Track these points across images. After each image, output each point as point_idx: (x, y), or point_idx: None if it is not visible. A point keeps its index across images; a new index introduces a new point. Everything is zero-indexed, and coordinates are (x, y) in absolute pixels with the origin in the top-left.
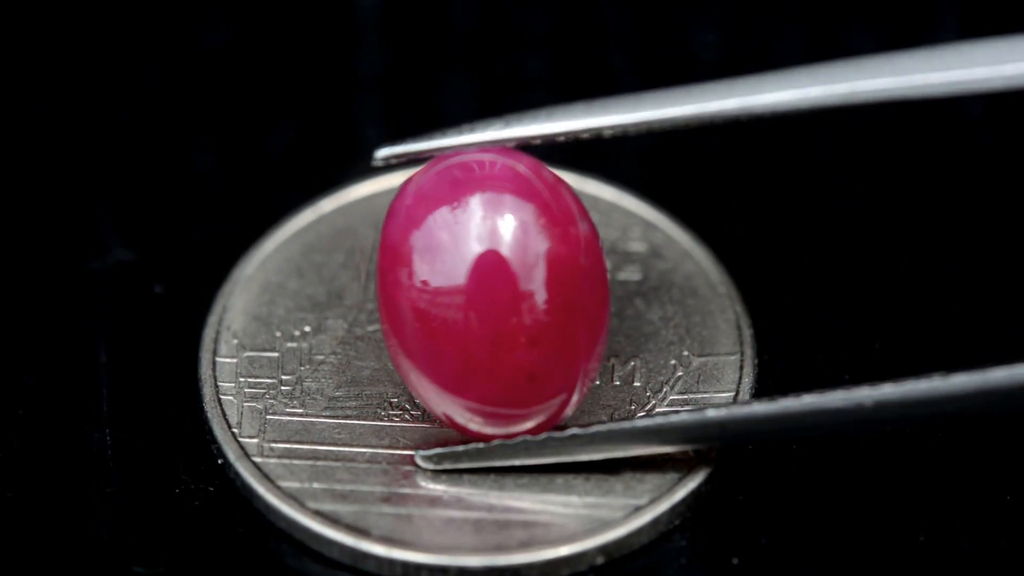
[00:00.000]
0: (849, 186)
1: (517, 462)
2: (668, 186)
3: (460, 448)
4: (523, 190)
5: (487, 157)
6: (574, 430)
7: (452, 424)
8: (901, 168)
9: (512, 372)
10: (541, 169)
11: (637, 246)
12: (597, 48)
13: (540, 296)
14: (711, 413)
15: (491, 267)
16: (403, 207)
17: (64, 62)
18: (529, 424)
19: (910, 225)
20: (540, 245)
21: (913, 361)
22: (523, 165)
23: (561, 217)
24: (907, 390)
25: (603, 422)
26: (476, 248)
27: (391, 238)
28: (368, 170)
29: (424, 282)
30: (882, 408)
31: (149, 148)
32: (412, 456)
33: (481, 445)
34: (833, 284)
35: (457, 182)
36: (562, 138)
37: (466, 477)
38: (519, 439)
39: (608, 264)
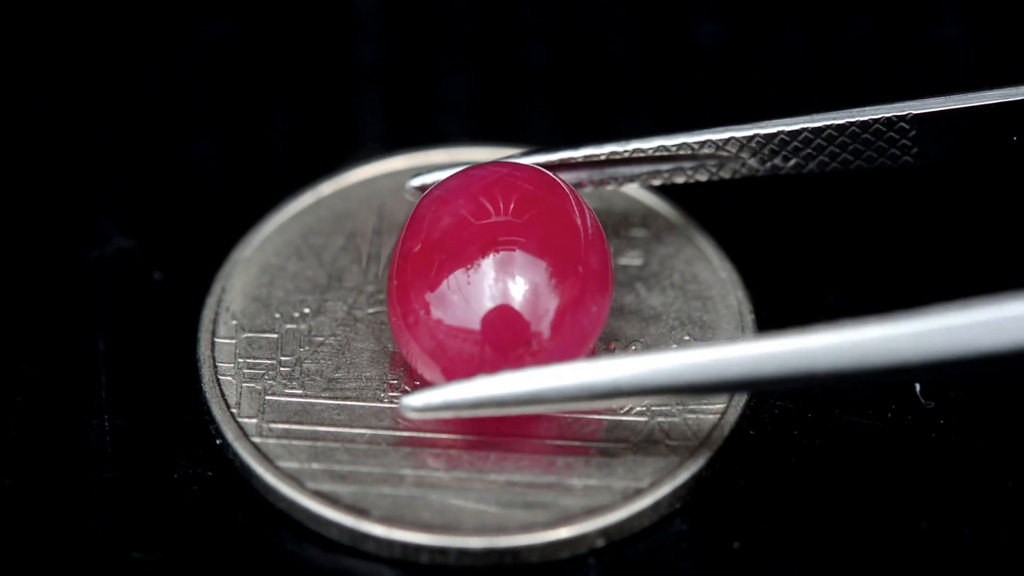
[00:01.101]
0: (851, 172)
1: (502, 400)
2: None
3: (442, 386)
4: (535, 240)
5: (500, 175)
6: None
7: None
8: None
9: (514, 365)
10: (552, 193)
11: (638, 231)
12: (597, 38)
13: (547, 332)
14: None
15: (503, 318)
16: (419, 235)
17: (63, 51)
18: None
19: (913, 211)
20: (550, 301)
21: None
22: (540, 191)
23: (569, 263)
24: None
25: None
26: (489, 305)
27: (407, 252)
28: (368, 155)
29: (439, 320)
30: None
31: (149, 136)
32: (399, 434)
33: (463, 383)
34: (834, 269)
35: (472, 231)
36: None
37: (466, 458)
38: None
39: (610, 249)
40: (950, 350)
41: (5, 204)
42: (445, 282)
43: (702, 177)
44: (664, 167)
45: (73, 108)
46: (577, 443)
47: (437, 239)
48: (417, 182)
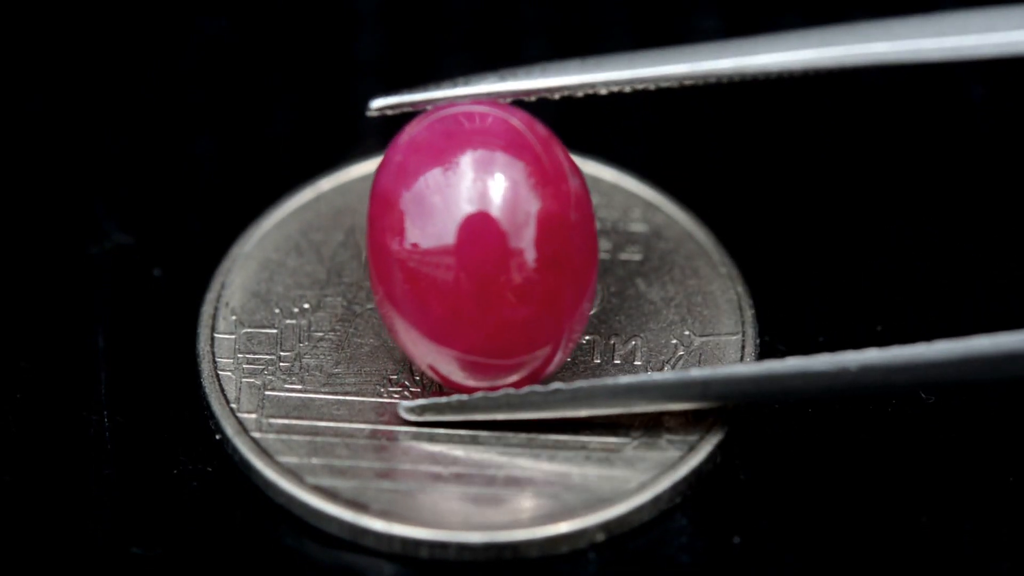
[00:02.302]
0: (851, 167)
1: (500, 416)
2: (669, 167)
3: (443, 400)
4: (515, 146)
5: (480, 110)
6: (557, 385)
7: (436, 374)
8: (904, 149)
9: (497, 324)
10: (534, 124)
11: (638, 226)
12: (597, 33)
13: (529, 254)
14: (694, 372)
15: (481, 227)
16: (394, 160)
17: (61, 47)
18: (512, 378)
19: (914, 206)
20: (531, 204)
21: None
22: (516, 119)
23: (552, 174)
24: (891, 356)
25: (586, 379)
26: (466, 209)
27: (381, 189)
28: (367, 152)
29: (414, 244)
30: (867, 372)
31: (148, 133)
32: (398, 430)
33: (464, 397)
34: (835, 265)
35: (449, 136)
36: (557, 95)
37: (466, 453)
38: (501, 392)
39: (609, 244)
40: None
41: (5, 202)
42: (419, 190)
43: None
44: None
45: (73, 107)
46: (577, 437)
47: (403, 184)
48: (379, 103)
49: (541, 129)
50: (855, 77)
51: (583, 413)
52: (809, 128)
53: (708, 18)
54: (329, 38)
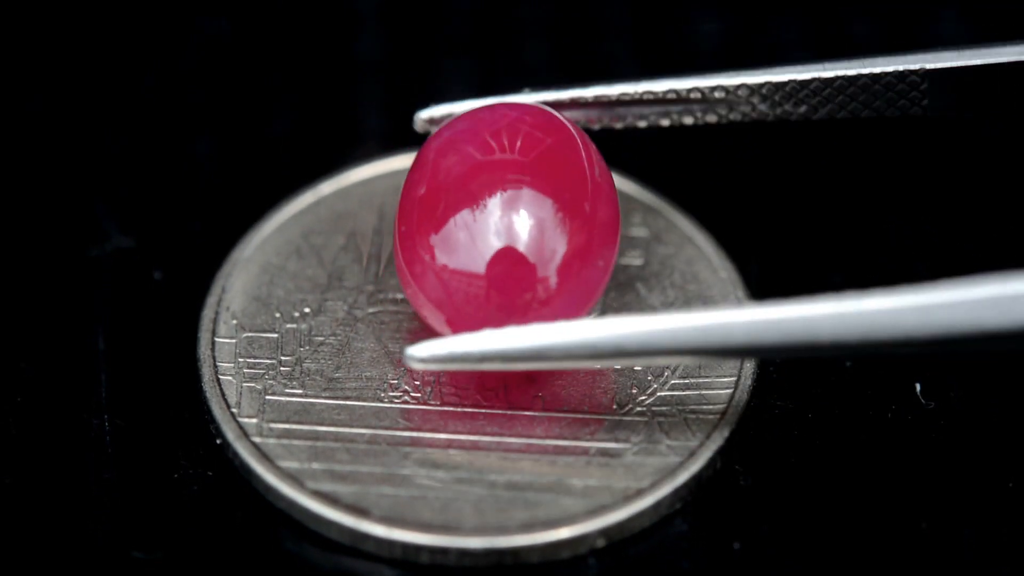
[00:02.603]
0: (850, 170)
1: (507, 355)
2: (669, 172)
3: (448, 339)
4: (542, 178)
5: (508, 118)
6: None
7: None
8: (904, 150)
9: (520, 317)
10: (560, 132)
11: (638, 231)
12: (597, 35)
13: (554, 278)
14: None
15: (510, 260)
16: (424, 178)
17: (62, 49)
18: None
19: (912, 209)
20: (557, 242)
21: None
22: (548, 133)
23: (578, 203)
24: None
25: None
26: (495, 244)
27: (413, 197)
28: (368, 155)
29: (444, 266)
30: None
31: (148, 134)
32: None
33: (469, 335)
34: (835, 268)
35: (478, 167)
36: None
37: (466, 458)
38: (507, 329)
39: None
40: (954, 326)
41: (5, 203)
42: (450, 224)
43: (711, 119)
44: (674, 108)
45: (73, 108)
46: (577, 443)
47: (442, 183)
48: (426, 115)
49: (567, 135)
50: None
51: (587, 361)
52: (809, 131)
53: (708, 19)
54: (329, 38)
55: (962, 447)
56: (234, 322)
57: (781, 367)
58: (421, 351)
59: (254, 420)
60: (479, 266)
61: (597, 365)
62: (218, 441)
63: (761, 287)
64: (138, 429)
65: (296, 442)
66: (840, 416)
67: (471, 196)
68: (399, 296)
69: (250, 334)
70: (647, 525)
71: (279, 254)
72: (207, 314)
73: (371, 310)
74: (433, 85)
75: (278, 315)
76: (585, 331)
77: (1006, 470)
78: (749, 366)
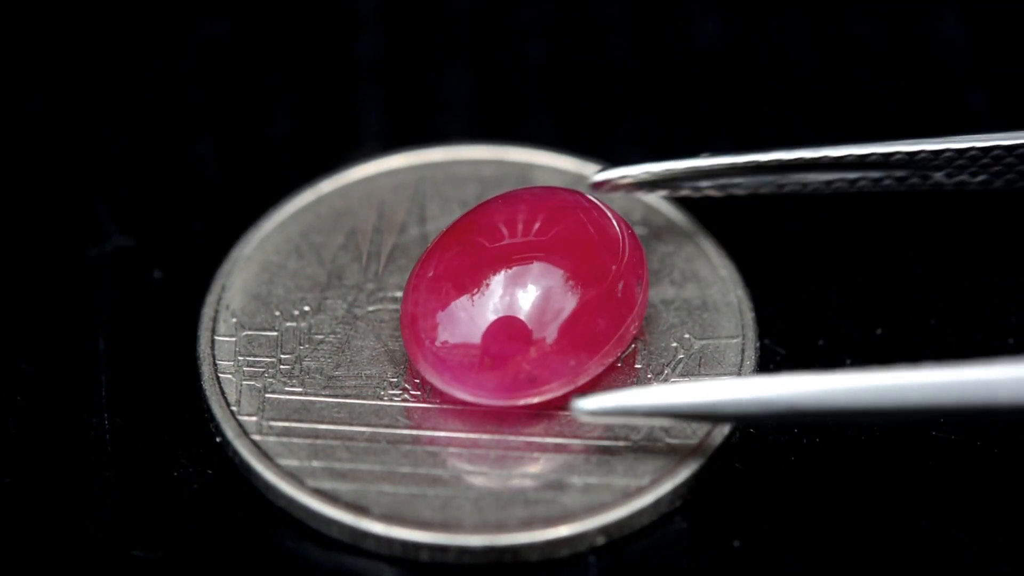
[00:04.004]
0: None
1: (677, 410)
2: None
3: (619, 392)
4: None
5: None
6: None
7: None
8: None
9: (513, 377)
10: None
11: (638, 229)
12: (597, 35)
13: (551, 339)
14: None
15: (506, 328)
16: (428, 271)
17: (62, 49)
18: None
19: (914, 209)
20: (559, 305)
21: (914, 347)
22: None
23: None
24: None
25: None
26: (491, 317)
27: (425, 274)
28: (368, 154)
29: (444, 342)
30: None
31: (149, 135)
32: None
33: (639, 390)
34: (835, 268)
35: (483, 254)
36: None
37: (466, 456)
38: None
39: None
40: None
41: (5, 203)
42: (452, 309)
43: (888, 185)
44: (851, 175)
45: (73, 108)
46: (577, 442)
47: (447, 270)
48: (602, 176)
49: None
50: (855, 79)
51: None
52: (810, 131)
53: (708, 19)
54: (329, 39)
55: (962, 446)
56: (234, 320)
57: (781, 363)
58: (591, 404)
59: (254, 418)
60: (476, 336)
61: (766, 423)
62: (218, 439)
63: (761, 286)
64: (138, 428)
65: (296, 440)
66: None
67: (471, 294)
68: (399, 295)
69: (250, 332)
70: (647, 523)
71: (279, 252)
72: (207, 312)
73: (371, 308)
74: (433, 85)
75: (278, 313)
76: (758, 388)
77: (1006, 470)
78: (749, 363)
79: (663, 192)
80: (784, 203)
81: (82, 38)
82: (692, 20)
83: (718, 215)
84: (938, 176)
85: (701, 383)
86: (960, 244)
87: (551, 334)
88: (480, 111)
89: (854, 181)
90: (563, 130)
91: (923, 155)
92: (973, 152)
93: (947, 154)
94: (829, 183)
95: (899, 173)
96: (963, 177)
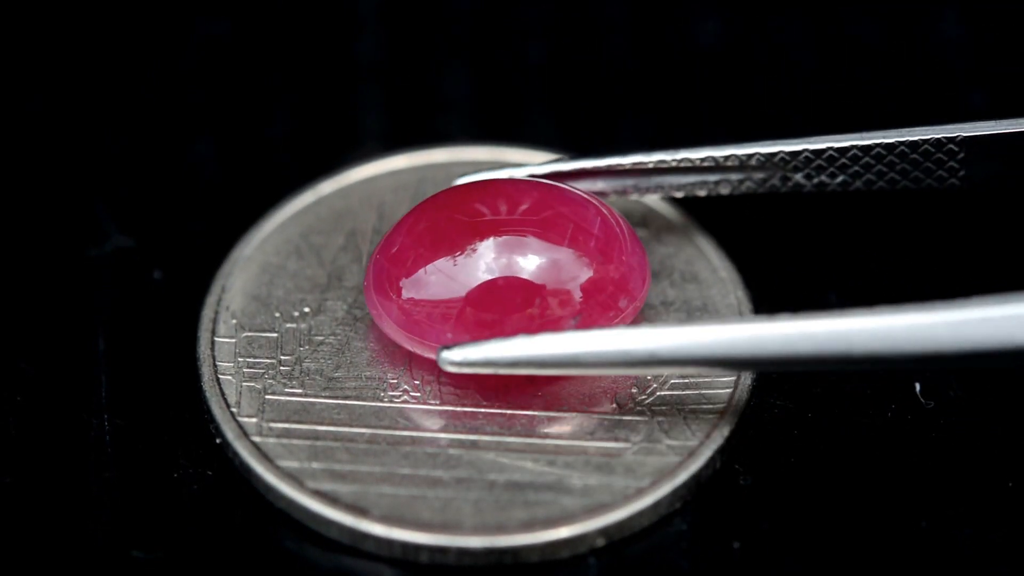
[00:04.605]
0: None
1: (540, 360)
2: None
3: (483, 342)
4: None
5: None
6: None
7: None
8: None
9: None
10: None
11: (639, 231)
12: (597, 36)
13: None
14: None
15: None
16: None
17: (63, 50)
18: None
19: (913, 209)
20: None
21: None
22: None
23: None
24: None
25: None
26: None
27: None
28: (368, 154)
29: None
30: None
31: (149, 135)
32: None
33: (504, 340)
34: (834, 269)
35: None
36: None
37: (466, 458)
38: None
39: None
40: (985, 341)
41: (5, 203)
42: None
43: (747, 189)
44: (711, 178)
45: (73, 108)
46: (577, 443)
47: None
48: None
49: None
50: (854, 80)
51: (610, 369)
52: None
53: (708, 19)
54: (329, 39)
55: (962, 447)
56: (234, 322)
57: None
58: (455, 355)
59: (254, 419)
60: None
61: (629, 373)
62: (218, 440)
63: (760, 287)
64: (138, 429)
65: (296, 441)
66: (840, 415)
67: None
68: None
69: (250, 334)
70: (647, 524)
71: (279, 253)
72: (207, 314)
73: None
74: (433, 86)
75: (278, 315)
76: (620, 339)
77: (1006, 470)
78: None
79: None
80: (784, 204)
81: (82, 38)
82: (692, 20)
83: (718, 216)
84: (798, 177)
85: (565, 335)
86: (960, 244)
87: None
88: (480, 111)
89: (715, 183)
90: (563, 130)
91: (781, 156)
92: (830, 153)
93: (804, 155)
94: (689, 185)
95: (758, 175)
96: (822, 178)
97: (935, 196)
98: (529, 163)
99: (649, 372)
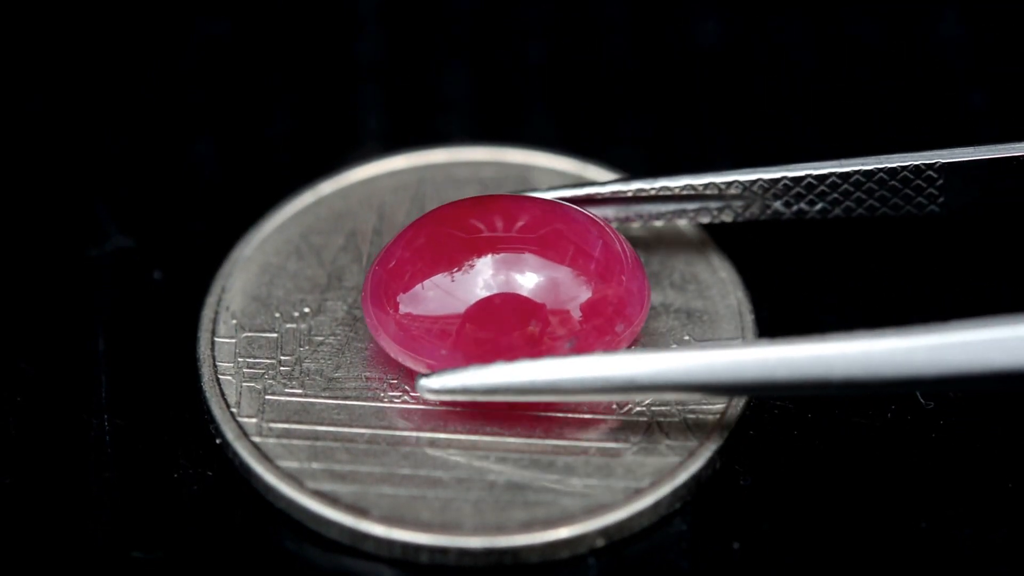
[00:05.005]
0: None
1: (519, 388)
2: (669, 172)
3: (461, 370)
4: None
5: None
6: (575, 358)
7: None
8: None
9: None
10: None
11: (638, 232)
12: (597, 36)
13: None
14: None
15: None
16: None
17: (63, 50)
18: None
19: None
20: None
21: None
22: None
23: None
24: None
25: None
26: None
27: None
28: (367, 155)
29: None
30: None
31: (148, 135)
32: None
33: (481, 367)
34: (834, 272)
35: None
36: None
37: (466, 458)
38: (519, 363)
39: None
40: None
41: (5, 203)
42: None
43: (727, 218)
44: (690, 206)
45: (73, 108)
46: (577, 443)
47: (419, 248)
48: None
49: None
50: (855, 79)
51: (600, 396)
52: (809, 134)
53: (708, 19)
54: (329, 39)
55: (962, 447)
56: (234, 322)
57: None
58: (434, 382)
59: (254, 420)
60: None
61: (610, 399)
62: (218, 441)
63: (760, 288)
64: (138, 429)
65: (296, 442)
66: (840, 416)
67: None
68: None
69: (250, 334)
70: (646, 525)
71: (279, 254)
72: (207, 314)
73: None
74: (433, 86)
75: (278, 315)
76: (599, 366)
77: (1005, 470)
78: None
79: None
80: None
81: (82, 38)
82: (692, 20)
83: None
84: (777, 205)
85: (542, 362)
86: (959, 251)
87: None
88: (480, 112)
89: (695, 212)
90: (563, 131)
91: (760, 184)
92: (809, 180)
93: (783, 183)
94: (668, 214)
95: (737, 203)
96: (801, 206)
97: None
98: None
99: (630, 398)
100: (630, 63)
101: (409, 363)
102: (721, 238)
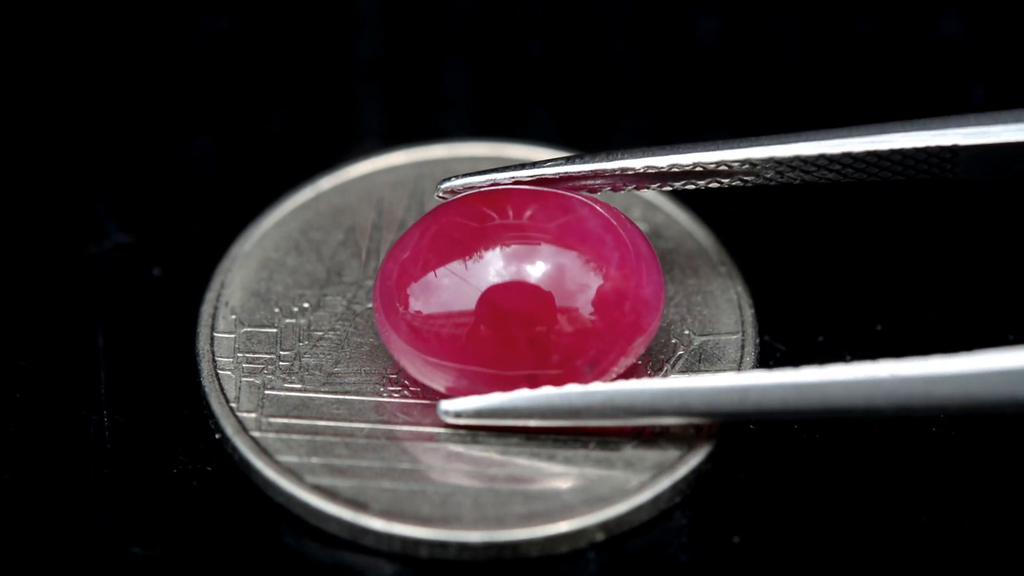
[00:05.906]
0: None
1: (541, 422)
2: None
3: (483, 398)
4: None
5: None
6: (597, 384)
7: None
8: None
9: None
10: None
11: (638, 225)
12: (597, 33)
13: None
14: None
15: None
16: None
17: (62, 47)
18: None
19: (914, 204)
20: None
21: (914, 343)
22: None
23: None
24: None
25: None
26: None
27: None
28: (367, 151)
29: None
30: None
31: (147, 132)
32: (398, 429)
33: (504, 396)
34: (835, 264)
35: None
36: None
37: (465, 452)
38: (542, 392)
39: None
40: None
41: (4, 200)
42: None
43: (736, 183)
44: (700, 180)
45: (73, 105)
46: (576, 437)
47: (429, 244)
48: (446, 186)
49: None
50: (855, 78)
51: (620, 420)
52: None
53: (708, 17)
54: (328, 36)
55: (962, 443)
56: (233, 317)
57: (781, 360)
58: (455, 405)
59: (253, 415)
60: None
61: (632, 423)
62: (217, 436)
63: (760, 282)
64: (137, 424)
65: (295, 437)
66: None
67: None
68: None
69: (249, 329)
70: (646, 519)
71: (278, 249)
72: (206, 309)
73: (370, 305)
74: (432, 82)
75: (277, 310)
76: (622, 393)
77: (1006, 466)
78: (749, 359)
79: None
80: (784, 199)
81: (82, 37)
82: (692, 19)
83: (718, 210)
84: (790, 175)
85: (563, 389)
86: (960, 239)
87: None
88: (479, 108)
89: (700, 183)
90: (563, 127)
91: (770, 162)
92: (821, 159)
93: (794, 161)
94: (682, 175)
95: (747, 177)
96: (812, 177)
97: (936, 191)
98: (507, 169)
99: (655, 423)
100: (630, 59)
101: (423, 375)
102: (722, 232)
